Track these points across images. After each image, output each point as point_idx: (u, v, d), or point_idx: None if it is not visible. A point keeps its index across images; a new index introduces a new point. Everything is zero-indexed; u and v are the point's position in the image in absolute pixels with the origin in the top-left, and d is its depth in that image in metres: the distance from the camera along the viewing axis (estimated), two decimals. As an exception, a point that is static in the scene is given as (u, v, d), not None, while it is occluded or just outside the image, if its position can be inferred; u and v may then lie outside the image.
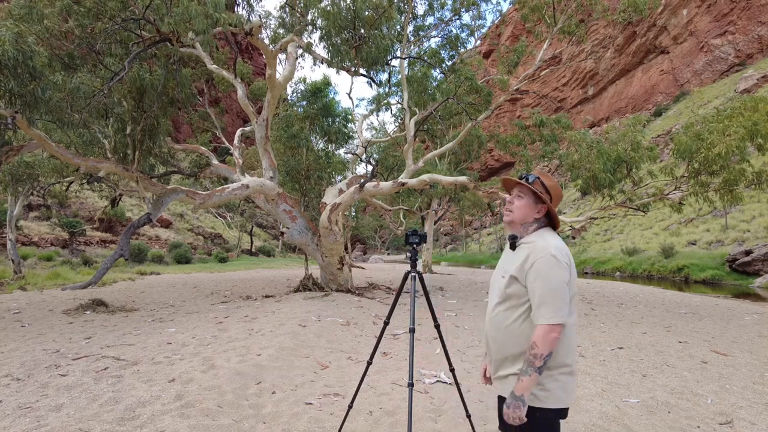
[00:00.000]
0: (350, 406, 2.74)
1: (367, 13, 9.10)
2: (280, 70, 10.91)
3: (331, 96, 12.83)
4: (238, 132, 13.75)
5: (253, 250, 38.21)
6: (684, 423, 3.29)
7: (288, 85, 11.74)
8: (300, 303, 8.34)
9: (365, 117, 15.79)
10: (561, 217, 11.08)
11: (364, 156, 13.18)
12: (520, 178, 1.83)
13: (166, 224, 33.07)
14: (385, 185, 10.31)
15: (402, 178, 10.51)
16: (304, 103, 12.86)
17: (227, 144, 14.91)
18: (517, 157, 16.23)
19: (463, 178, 10.64)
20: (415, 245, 2.49)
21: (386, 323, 2.59)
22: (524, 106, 72.91)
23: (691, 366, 4.88)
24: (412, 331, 2.42)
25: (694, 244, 20.91)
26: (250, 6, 11.19)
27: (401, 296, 2.59)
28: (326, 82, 12.57)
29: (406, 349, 5.41)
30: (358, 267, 16.68)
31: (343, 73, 9.93)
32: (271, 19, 11.71)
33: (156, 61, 9.99)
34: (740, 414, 3.50)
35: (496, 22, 23.93)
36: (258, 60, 69.11)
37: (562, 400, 1.68)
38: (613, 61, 68.47)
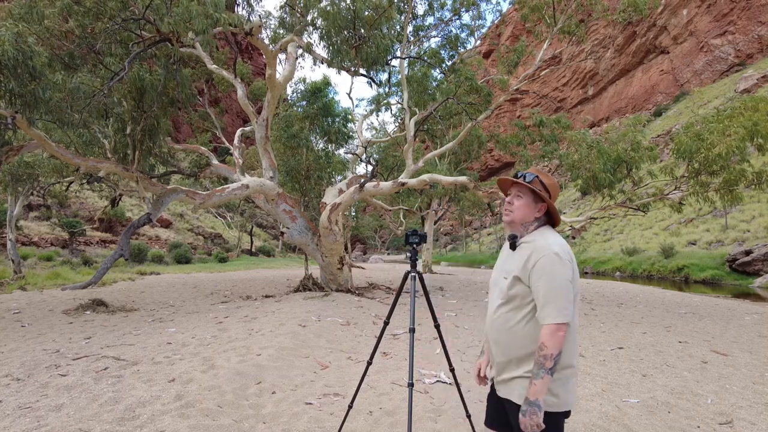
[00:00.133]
0: (350, 406, 2.74)
1: (367, 13, 9.10)
2: (280, 70, 10.92)
3: (330, 96, 12.83)
4: (238, 132, 13.75)
5: (253, 250, 38.21)
6: (684, 423, 3.29)
7: (288, 85, 11.74)
8: (300, 303, 8.34)
9: (365, 117, 15.79)
10: (561, 217, 11.13)
11: (364, 156, 13.18)
12: (517, 177, 1.81)
13: (166, 224, 33.08)
14: (385, 185, 10.31)
15: (402, 178, 10.51)
16: (304, 103, 12.86)
17: (227, 144, 14.92)
18: (517, 157, 16.23)
19: (463, 178, 10.64)
20: (415, 245, 2.48)
21: (386, 323, 2.59)
22: (524, 106, 72.90)
23: (691, 366, 4.88)
24: (412, 331, 2.42)
25: (694, 244, 20.91)
26: (250, 6, 11.19)
27: (401, 296, 2.59)
28: (326, 82, 12.57)
29: (406, 349, 5.41)
30: (358, 267, 16.69)
31: (343, 73, 9.93)
32: (271, 19, 11.71)
33: (156, 61, 9.99)
34: (740, 414, 3.50)
35: (496, 22, 23.95)
36: (258, 60, 69.11)
37: (570, 403, 1.67)
38: (613, 61, 68.48)
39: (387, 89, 15.92)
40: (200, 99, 14.24)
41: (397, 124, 20.60)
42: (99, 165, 8.63)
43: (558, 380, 1.63)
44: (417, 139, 15.76)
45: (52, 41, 8.06)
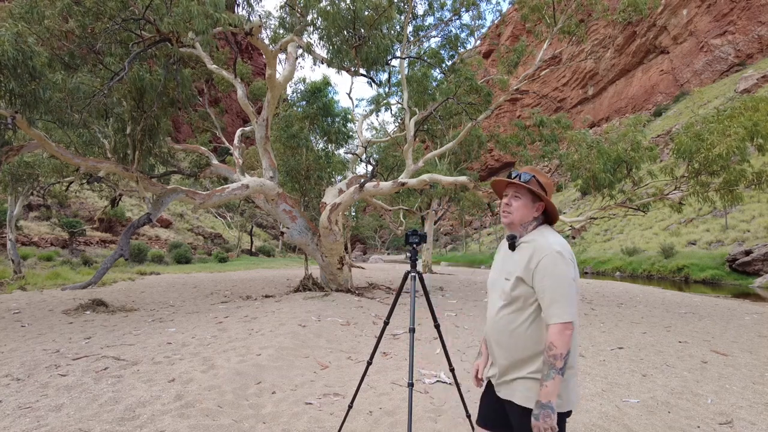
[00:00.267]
0: (350, 406, 2.74)
1: (366, 13, 9.10)
2: (280, 70, 10.92)
3: (330, 96, 12.83)
4: (238, 132, 13.75)
5: (253, 250, 38.21)
6: (684, 423, 3.29)
7: (288, 85, 11.74)
8: (300, 303, 8.34)
9: (365, 117, 15.79)
10: (561, 217, 11.12)
11: (364, 156, 13.18)
12: (512, 178, 1.79)
13: (166, 224, 33.08)
14: (385, 185, 10.31)
15: (402, 178, 10.51)
16: (304, 103, 12.86)
17: (227, 144, 14.92)
18: (517, 157, 16.24)
19: (463, 178, 10.64)
20: (415, 245, 2.48)
21: (386, 323, 2.59)
22: (524, 106, 72.92)
23: (691, 366, 4.88)
24: (412, 331, 2.42)
25: (694, 244, 20.91)
26: (250, 6, 11.19)
27: (401, 296, 2.59)
28: (326, 82, 12.57)
29: (406, 349, 5.41)
30: (358, 267, 16.69)
31: (343, 73, 9.93)
32: (271, 19, 11.71)
33: (156, 61, 9.98)
34: (740, 414, 3.50)
35: (496, 22, 23.95)
36: (258, 60, 69.12)
37: (573, 403, 1.67)
38: (613, 61, 68.49)
39: (387, 89, 15.93)
40: (200, 99, 14.24)
41: (397, 124, 20.61)
42: (99, 165, 8.63)
43: (562, 381, 1.62)
44: (417, 139, 15.76)
45: (52, 41, 8.05)
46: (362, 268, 20.47)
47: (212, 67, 10.20)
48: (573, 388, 1.67)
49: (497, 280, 1.81)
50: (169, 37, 8.38)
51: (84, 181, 12.21)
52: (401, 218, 24.94)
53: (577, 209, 38.14)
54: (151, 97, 8.87)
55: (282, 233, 11.17)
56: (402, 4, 11.13)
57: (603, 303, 10.26)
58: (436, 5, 13.38)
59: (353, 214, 27.41)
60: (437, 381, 4.10)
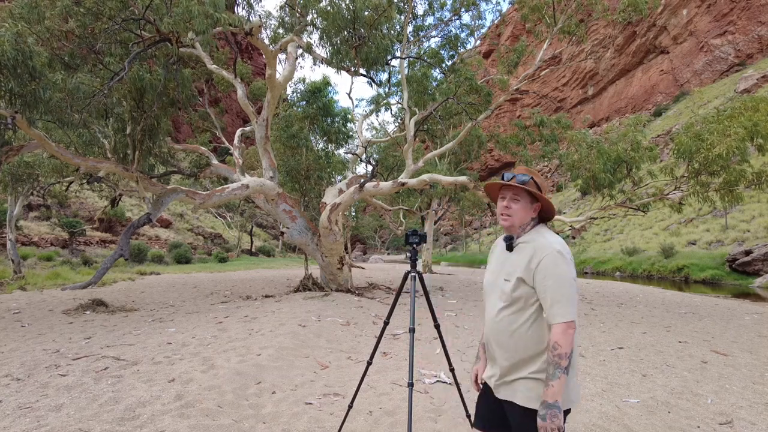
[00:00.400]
0: (350, 406, 2.74)
1: (366, 13, 9.10)
2: (280, 70, 10.92)
3: (330, 96, 12.83)
4: (238, 132, 13.75)
5: (253, 250, 38.21)
6: (684, 423, 3.29)
7: (288, 85, 11.74)
8: (300, 303, 8.34)
9: (365, 117, 15.80)
10: (561, 217, 11.14)
11: (364, 156, 13.19)
12: (508, 180, 1.78)
13: (166, 224, 33.08)
14: (385, 185, 10.31)
15: (402, 178, 10.51)
16: (304, 103, 12.86)
17: (227, 144, 14.92)
18: (517, 157, 16.24)
19: (463, 178, 10.64)
20: (415, 245, 2.48)
21: (386, 323, 2.59)
22: (524, 106, 72.93)
23: (691, 366, 4.88)
24: (412, 331, 2.42)
25: (694, 244, 20.91)
26: (250, 6, 11.21)
27: (401, 296, 2.59)
28: (326, 82, 12.57)
29: (406, 349, 5.41)
30: (358, 267, 16.69)
31: (343, 73, 9.93)
32: (271, 19, 11.70)
33: (156, 61, 9.98)
34: (740, 414, 3.50)
35: (496, 22, 23.95)
36: (258, 60, 69.12)
37: (573, 401, 1.67)
38: (613, 61, 68.50)
39: (387, 89, 15.94)
40: (200, 99, 14.24)
41: (397, 124, 20.61)
42: (99, 165, 8.63)
43: None
44: (417, 139, 15.76)
45: (52, 41, 8.05)
46: (362, 268, 20.47)
47: (212, 67, 10.20)
48: (573, 387, 1.67)
49: (495, 282, 1.80)
50: (169, 37, 8.38)
51: (84, 181, 12.21)
52: (401, 218, 24.94)
53: (577, 209, 38.14)
54: (151, 97, 8.87)
55: (282, 233, 11.18)
56: (402, 4, 11.13)
57: (603, 303, 10.26)
58: (436, 5, 13.39)
59: (353, 214, 27.40)
60: (437, 381, 4.10)
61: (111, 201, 12.77)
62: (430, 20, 13.89)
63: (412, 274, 2.51)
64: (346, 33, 9.21)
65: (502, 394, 1.74)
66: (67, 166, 11.50)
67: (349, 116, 14.28)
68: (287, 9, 10.69)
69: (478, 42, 18.42)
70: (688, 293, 13.15)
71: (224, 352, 4.72)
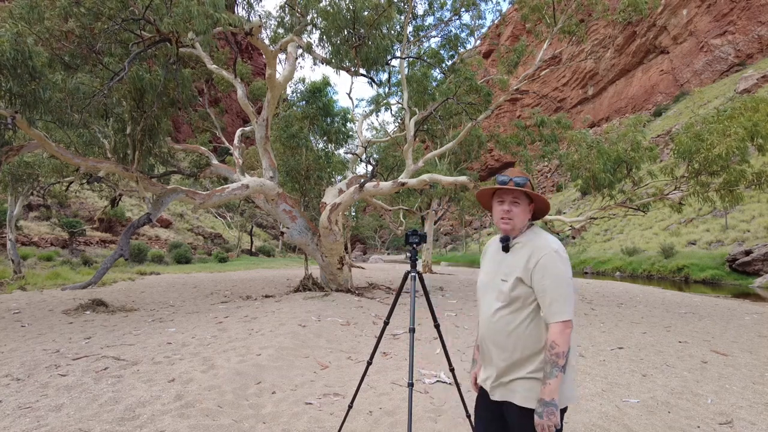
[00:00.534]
0: (350, 406, 2.74)
1: (366, 13, 9.10)
2: (280, 70, 10.92)
3: (330, 96, 12.83)
4: (238, 132, 13.75)
5: (253, 250, 38.22)
6: (684, 423, 3.29)
7: (288, 85, 11.74)
8: (300, 303, 8.34)
9: (365, 117, 15.80)
10: (561, 217, 11.14)
11: (364, 156, 13.19)
12: (502, 184, 1.76)
13: (166, 224, 33.08)
14: (385, 185, 10.31)
15: (402, 178, 10.51)
16: (304, 103, 12.86)
17: (227, 144, 14.92)
18: (517, 157, 16.24)
19: (463, 178, 10.64)
20: (415, 245, 2.48)
21: (386, 323, 2.59)
22: (524, 106, 72.94)
23: (691, 366, 4.88)
24: (412, 331, 2.42)
25: (694, 244, 20.91)
26: (250, 6, 11.20)
27: (401, 296, 2.58)
28: (326, 82, 12.57)
29: (406, 349, 5.41)
30: (358, 267, 16.70)
31: (342, 73, 9.94)
32: (271, 19, 11.70)
33: (156, 61, 9.98)
34: (740, 414, 3.50)
35: (496, 22, 23.94)
36: (258, 60, 69.12)
37: (569, 399, 1.68)
38: (613, 61, 68.50)
39: (387, 89, 15.94)
40: (200, 99, 14.24)
41: (397, 124, 20.61)
42: (99, 165, 8.62)
43: None
44: (417, 139, 15.77)
45: (51, 41, 8.05)
46: (362, 268, 20.48)
47: (212, 67, 10.20)
48: (569, 385, 1.68)
49: (491, 282, 1.79)
50: (169, 37, 8.37)
51: (84, 181, 12.20)
52: (401, 218, 24.94)
53: (577, 209, 38.14)
54: (151, 97, 8.86)
55: (282, 233, 11.18)
56: (402, 4, 11.13)
57: (603, 303, 10.26)
58: (436, 5, 13.39)
59: (353, 214, 27.41)
60: (437, 381, 4.10)
61: (111, 201, 12.77)
62: (430, 20, 13.92)
63: (412, 274, 2.51)
64: (346, 33, 9.22)
65: (498, 395, 1.74)
66: (67, 166, 11.50)
67: (349, 116, 14.29)
68: (287, 9, 10.69)
69: (478, 42, 18.43)
70: (688, 293, 13.15)
71: (224, 352, 4.72)
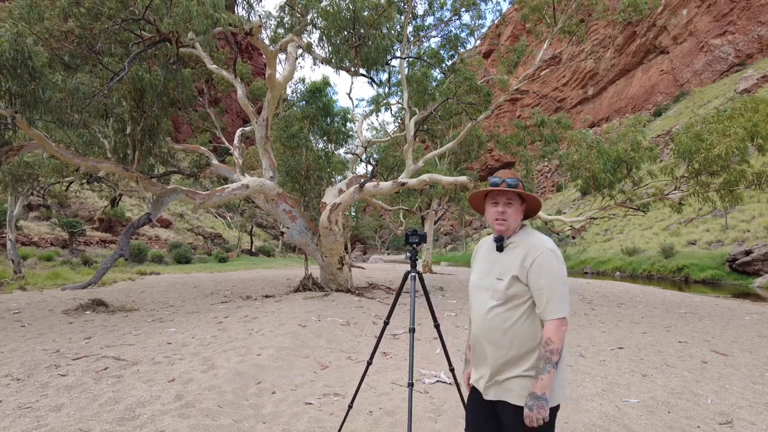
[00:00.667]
0: (350, 406, 2.74)
1: (366, 13, 9.10)
2: (280, 70, 10.92)
3: (330, 96, 12.83)
4: (238, 132, 13.75)
5: (253, 250, 38.22)
6: (684, 423, 3.29)
7: (288, 85, 11.74)
8: (300, 303, 8.34)
9: (365, 117, 15.80)
10: (561, 217, 11.14)
11: (364, 156, 13.19)
12: (495, 186, 1.77)
13: (166, 224, 33.08)
14: (385, 185, 10.31)
15: (402, 178, 10.51)
16: (304, 103, 12.87)
17: (227, 144, 14.92)
18: (517, 157, 16.24)
19: (463, 178, 10.64)
20: (415, 245, 2.48)
21: (386, 323, 2.59)
22: (524, 106, 72.95)
23: (691, 366, 4.88)
24: (412, 331, 2.42)
25: (694, 244, 20.92)
26: (250, 6, 11.20)
27: (401, 296, 2.58)
28: (326, 82, 12.57)
29: (406, 349, 5.41)
30: (358, 267, 16.70)
31: (342, 73, 9.94)
32: (270, 19, 11.70)
33: (156, 61, 9.98)
34: (740, 414, 3.50)
35: (496, 22, 23.93)
36: (258, 60, 69.12)
37: (560, 397, 1.69)
38: (613, 61, 68.51)
39: (387, 89, 15.94)
40: (200, 99, 14.24)
41: (397, 124, 20.61)
42: (99, 165, 8.62)
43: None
44: (417, 139, 15.76)
45: (51, 41, 8.05)
46: (362, 268, 20.48)
47: (212, 67, 10.20)
48: (561, 383, 1.69)
49: (483, 282, 1.80)
50: (169, 37, 8.37)
51: (84, 181, 12.21)
52: (401, 218, 24.94)
53: (577, 209, 38.15)
54: (151, 97, 8.86)
55: (282, 233, 11.18)
56: (402, 4, 11.13)
57: (603, 303, 10.26)
58: (436, 5, 13.39)
59: (353, 214, 27.39)
60: (437, 381, 4.10)
61: (111, 201, 12.77)
62: (430, 20, 13.92)
63: (412, 274, 2.51)
64: (346, 33, 9.22)
65: (492, 394, 1.74)
66: (67, 166, 11.50)
67: (349, 116, 14.29)
68: (287, 9, 10.69)
69: (478, 42, 18.43)
70: (688, 293, 13.15)
71: (224, 352, 4.72)
